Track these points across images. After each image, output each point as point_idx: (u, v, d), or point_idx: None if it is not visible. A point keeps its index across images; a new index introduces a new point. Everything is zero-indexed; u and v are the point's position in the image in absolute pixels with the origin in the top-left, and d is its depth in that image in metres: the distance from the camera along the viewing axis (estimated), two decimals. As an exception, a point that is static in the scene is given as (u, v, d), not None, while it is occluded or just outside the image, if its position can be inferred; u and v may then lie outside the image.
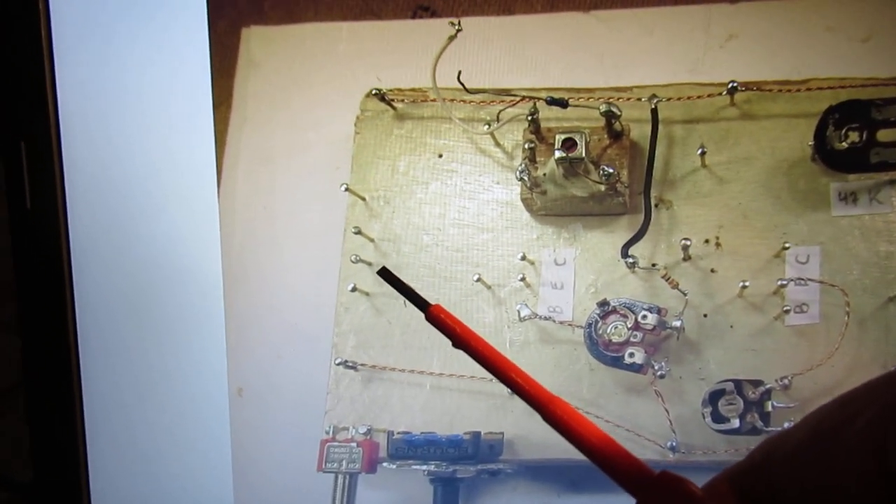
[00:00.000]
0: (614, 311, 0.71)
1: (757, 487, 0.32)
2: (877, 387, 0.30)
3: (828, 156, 0.69)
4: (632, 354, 0.69)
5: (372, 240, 0.79)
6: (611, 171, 0.70)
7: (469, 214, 0.78)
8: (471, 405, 0.75)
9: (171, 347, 0.77)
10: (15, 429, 0.75)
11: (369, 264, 0.78)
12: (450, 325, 0.40)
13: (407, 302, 0.41)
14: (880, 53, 0.72)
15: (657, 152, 0.73)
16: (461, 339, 0.39)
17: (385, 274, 0.42)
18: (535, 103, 0.74)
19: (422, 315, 0.41)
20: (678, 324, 0.70)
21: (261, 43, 0.83)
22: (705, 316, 0.72)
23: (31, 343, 0.74)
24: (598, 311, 0.71)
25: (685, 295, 0.70)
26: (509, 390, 0.38)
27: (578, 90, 0.76)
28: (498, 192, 0.77)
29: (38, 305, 0.75)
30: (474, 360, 0.39)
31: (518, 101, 0.75)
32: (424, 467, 0.72)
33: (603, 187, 0.71)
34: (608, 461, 0.35)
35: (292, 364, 0.80)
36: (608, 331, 0.70)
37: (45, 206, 0.74)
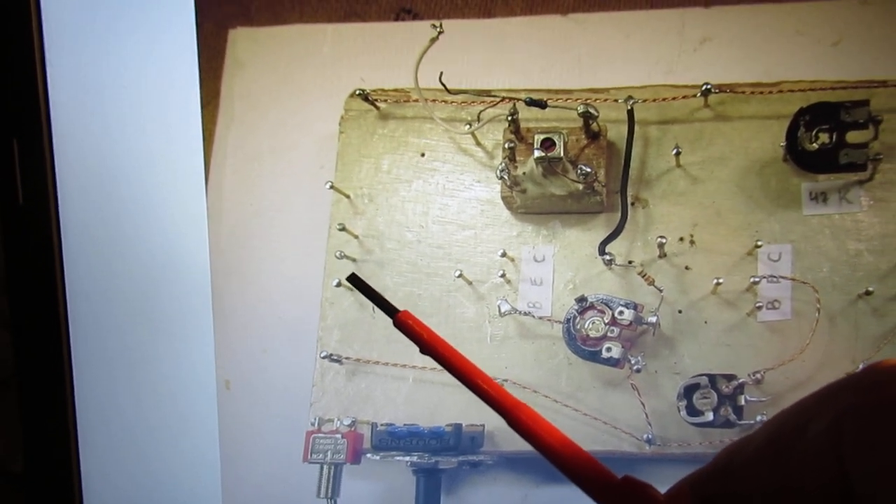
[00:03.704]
0: (592, 306, 0.69)
1: (718, 493, 0.31)
2: (832, 392, 0.29)
3: (799, 156, 0.68)
4: (609, 349, 0.68)
5: (356, 236, 0.77)
6: (588, 170, 0.69)
7: (451, 212, 0.76)
8: (452, 398, 0.73)
9: (161, 341, 0.75)
10: (7, 420, 0.74)
11: (354, 260, 0.77)
12: (417, 331, 0.38)
13: (376, 309, 0.39)
14: (850, 57, 0.71)
15: (633, 152, 0.72)
16: (428, 345, 0.37)
17: (354, 280, 0.40)
18: (514, 104, 0.72)
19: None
20: (654, 319, 0.68)
21: (247, 44, 0.81)
22: (680, 312, 0.70)
23: (24, 337, 0.73)
24: (576, 307, 0.69)
25: (661, 291, 0.69)
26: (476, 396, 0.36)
27: (557, 91, 0.74)
28: (479, 190, 0.76)
29: (30, 300, 0.73)
30: (441, 366, 0.37)
31: (498, 102, 0.74)
32: (407, 458, 0.71)
33: (581, 186, 0.70)
34: (570, 466, 0.33)
35: (279, 357, 0.78)
36: (586, 326, 0.69)
37: (37, 202, 0.72)
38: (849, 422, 0.27)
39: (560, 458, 0.34)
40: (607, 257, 0.70)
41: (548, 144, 0.69)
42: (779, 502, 0.29)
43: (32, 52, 0.72)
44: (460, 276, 0.74)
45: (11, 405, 0.73)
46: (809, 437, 0.28)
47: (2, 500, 0.74)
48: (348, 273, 0.75)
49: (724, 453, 0.32)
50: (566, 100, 0.73)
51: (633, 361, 0.68)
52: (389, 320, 0.76)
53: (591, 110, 0.70)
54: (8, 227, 0.72)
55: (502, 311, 0.72)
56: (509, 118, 0.72)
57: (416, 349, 0.73)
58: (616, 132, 0.73)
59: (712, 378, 0.67)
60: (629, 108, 0.72)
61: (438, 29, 0.71)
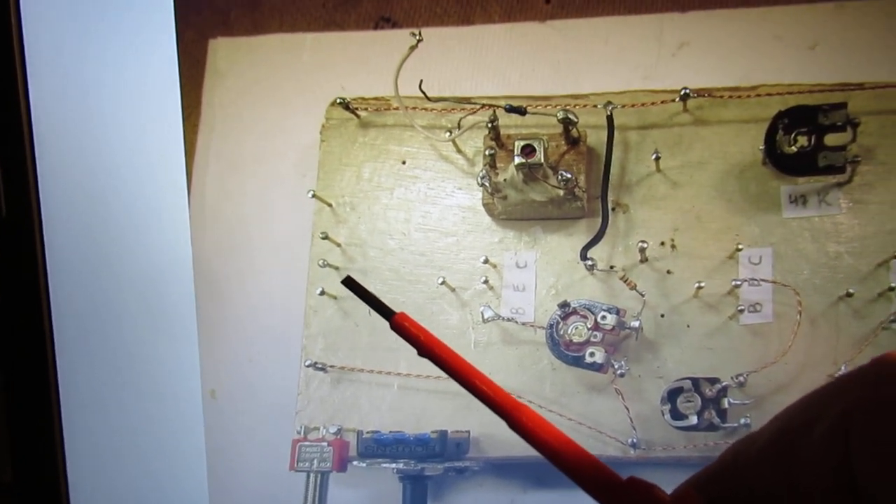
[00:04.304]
0: (574, 312, 0.69)
1: (724, 493, 0.30)
2: (837, 389, 0.28)
3: (778, 160, 0.68)
4: (592, 354, 0.67)
5: (339, 245, 0.77)
6: (569, 176, 0.68)
7: (432, 219, 0.76)
8: (437, 404, 0.73)
9: (146, 350, 0.75)
10: (-5, 431, 0.74)
11: (336, 268, 0.76)
12: (414, 333, 0.36)
13: (371, 310, 0.38)
14: (826, 61, 0.71)
15: (613, 157, 0.72)
16: (426, 347, 0.36)
17: (349, 283, 0.39)
18: (494, 111, 0.72)
19: (389, 315, 0.38)
20: (636, 324, 0.68)
21: (227, 53, 0.81)
22: (662, 316, 0.70)
23: (9, 347, 0.72)
24: (558, 313, 0.69)
25: (643, 296, 0.69)
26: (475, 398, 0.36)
27: (536, 98, 0.74)
28: (460, 197, 0.76)
29: (15, 310, 0.72)
30: (439, 369, 0.36)
31: (478, 109, 0.74)
32: (393, 465, 0.71)
33: (561, 192, 0.70)
34: (574, 467, 0.32)
35: (263, 366, 0.77)
36: (569, 331, 0.68)
37: (20, 214, 0.72)
38: (855, 418, 0.26)
39: (563, 460, 0.33)
40: (589, 262, 0.70)
41: (528, 151, 0.69)
42: (785, 501, 0.28)
43: (13, 63, 0.71)
44: (443, 283, 0.74)
45: (-1, 416, 0.73)
46: (815, 435, 0.27)
47: (-9, 511, 0.74)
48: (332, 281, 0.75)
49: (730, 452, 0.31)
50: (546, 106, 0.73)
51: (616, 366, 0.68)
52: (373, 328, 0.75)
53: (571, 116, 0.69)
54: (-9, 240, 0.72)
55: (485, 317, 0.71)
56: (489, 125, 0.71)
57: (401, 356, 0.74)
58: (596, 138, 0.73)
59: (695, 381, 0.67)
60: (608, 113, 0.71)
61: (418, 37, 0.71)
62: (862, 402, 0.27)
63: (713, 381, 0.67)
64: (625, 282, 0.69)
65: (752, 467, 0.29)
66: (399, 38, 0.75)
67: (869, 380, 0.28)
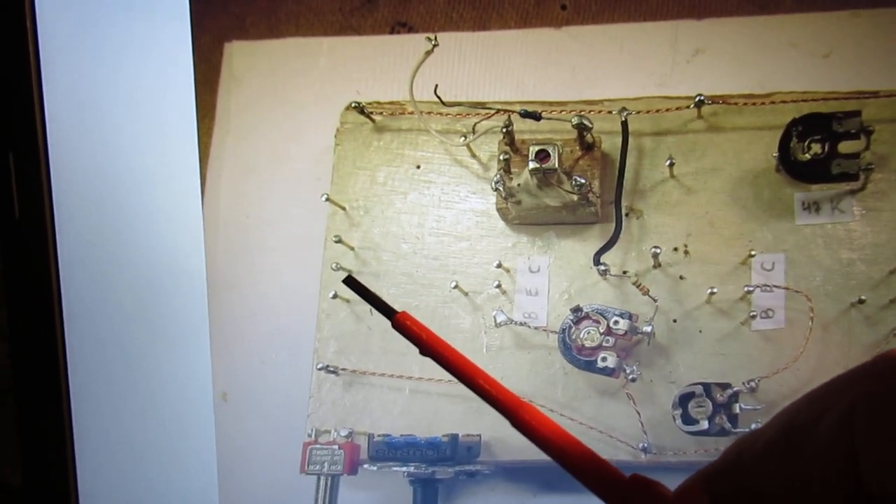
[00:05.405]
0: (587, 316, 0.69)
1: (729, 488, 0.30)
2: (843, 384, 0.28)
3: (791, 167, 0.68)
4: (604, 359, 0.67)
5: (352, 248, 0.76)
6: (583, 181, 0.68)
7: (446, 224, 0.76)
8: (449, 408, 0.73)
9: (158, 353, 0.75)
10: (5, 433, 0.73)
11: (349, 272, 0.76)
12: (416, 332, 0.36)
13: (374, 310, 0.38)
14: (841, 69, 0.71)
15: (627, 163, 0.71)
16: (428, 346, 0.35)
17: (350, 282, 0.38)
18: (509, 116, 0.72)
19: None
20: (649, 329, 0.68)
21: (243, 57, 0.81)
22: (675, 321, 0.70)
23: (21, 349, 0.72)
24: (571, 317, 0.69)
25: (655, 301, 0.69)
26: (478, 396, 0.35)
27: (551, 103, 0.74)
28: (474, 201, 0.75)
29: (27, 313, 0.72)
30: (442, 367, 0.35)
31: (493, 114, 0.73)
32: (404, 469, 0.70)
33: (575, 197, 0.69)
34: (578, 465, 0.32)
35: (275, 369, 0.77)
36: (581, 336, 0.68)
37: (33, 216, 0.72)
38: (860, 412, 0.26)
39: (566, 458, 0.32)
40: (602, 267, 0.70)
41: (542, 156, 0.69)
42: (790, 497, 0.28)
43: (28, 66, 0.71)
44: (456, 287, 0.74)
45: (9, 417, 0.72)
46: (821, 430, 0.27)
47: (0, 513, 0.73)
48: (344, 285, 0.75)
49: (734, 448, 0.31)
50: (560, 111, 0.73)
51: (628, 371, 0.67)
52: (385, 331, 0.75)
53: (586, 122, 0.69)
54: (4, 241, 0.71)
55: (498, 321, 0.71)
56: (504, 130, 0.71)
57: (413, 359, 0.73)
58: (610, 143, 0.73)
59: (707, 387, 0.67)
60: (623, 119, 0.71)
61: (433, 42, 0.71)
62: (866, 397, 0.27)
63: (725, 386, 0.66)
64: (637, 287, 0.69)
65: (757, 464, 0.29)
66: (415, 42, 0.75)
67: (874, 373, 0.28)
